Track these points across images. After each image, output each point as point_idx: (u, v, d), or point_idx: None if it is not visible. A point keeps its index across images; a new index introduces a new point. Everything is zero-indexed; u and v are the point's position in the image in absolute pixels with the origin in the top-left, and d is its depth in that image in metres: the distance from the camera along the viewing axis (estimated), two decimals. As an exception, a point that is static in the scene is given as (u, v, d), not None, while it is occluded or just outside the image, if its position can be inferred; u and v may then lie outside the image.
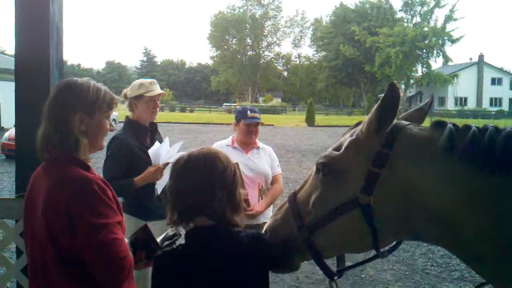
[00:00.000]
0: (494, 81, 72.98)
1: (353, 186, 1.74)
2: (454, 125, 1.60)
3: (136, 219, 3.81)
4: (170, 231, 2.44)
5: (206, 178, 1.97)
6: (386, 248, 1.89)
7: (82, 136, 2.15)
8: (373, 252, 1.84)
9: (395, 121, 1.74)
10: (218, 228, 1.98)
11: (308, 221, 1.86)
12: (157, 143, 4.03)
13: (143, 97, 4.04)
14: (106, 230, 1.97)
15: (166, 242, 2.41)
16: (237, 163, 2.15)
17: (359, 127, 1.83)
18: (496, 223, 1.46)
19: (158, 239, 2.39)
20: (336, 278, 1.99)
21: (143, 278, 3.74)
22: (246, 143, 4.56)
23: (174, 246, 2.22)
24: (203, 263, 1.93)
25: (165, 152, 3.82)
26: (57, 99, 2.17)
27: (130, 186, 3.79)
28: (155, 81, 4.20)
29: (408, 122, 1.77)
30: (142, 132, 4.12)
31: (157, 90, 4.11)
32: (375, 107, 1.74)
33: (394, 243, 1.95)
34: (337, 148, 1.86)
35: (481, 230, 1.50)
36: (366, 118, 1.79)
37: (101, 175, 2.23)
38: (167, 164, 3.73)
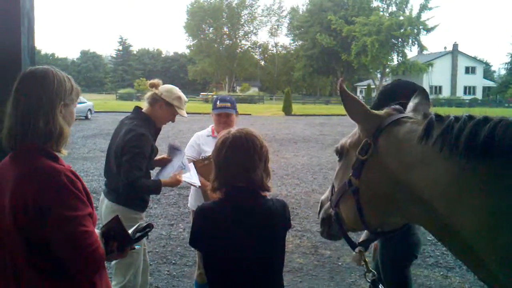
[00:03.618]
0: (468, 70, 74.07)
1: (349, 169, 2.01)
2: (437, 115, 1.75)
3: (132, 211, 3.90)
4: (142, 223, 2.50)
5: (250, 153, 2.42)
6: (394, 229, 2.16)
7: (66, 126, 2.14)
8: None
9: (391, 113, 1.97)
10: (253, 189, 2.45)
11: (333, 197, 2.18)
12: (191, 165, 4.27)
13: (172, 107, 4.07)
14: (76, 223, 1.95)
15: (138, 234, 2.41)
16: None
17: None
18: (459, 203, 1.59)
19: (130, 230, 2.38)
20: (361, 250, 2.27)
21: (132, 265, 3.89)
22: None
23: (146, 237, 2.44)
24: (237, 212, 2.41)
25: (191, 173, 4.16)
26: (42, 87, 2.10)
27: (158, 189, 3.97)
28: (187, 101, 4.30)
29: (402, 115, 1.95)
30: (155, 133, 4.14)
31: (185, 112, 4.20)
32: None
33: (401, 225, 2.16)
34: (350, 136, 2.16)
35: (449, 211, 1.62)
36: None
37: (71, 166, 2.19)
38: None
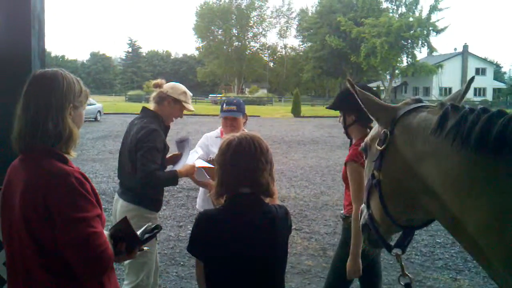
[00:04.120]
0: (478, 71, 73.41)
1: (373, 163, 2.04)
2: (453, 106, 1.75)
3: (147, 210, 3.97)
4: (151, 224, 2.49)
5: (257, 155, 2.38)
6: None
7: (75, 128, 2.15)
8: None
9: (408, 103, 2.00)
10: (257, 196, 2.41)
11: (365, 196, 2.19)
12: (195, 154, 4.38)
13: (180, 103, 4.20)
14: (85, 224, 1.96)
15: (146, 235, 2.42)
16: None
17: None
18: (467, 198, 1.58)
19: (138, 232, 2.39)
20: (398, 252, 2.18)
21: (146, 265, 3.93)
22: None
23: (155, 238, 2.40)
24: (240, 221, 2.36)
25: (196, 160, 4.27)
26: (52, 89, 2.11)
27: (175, 179, 4.01)
28: (191, 95, 4.43)
29: (419, 104, 1.97)
30: (165, 131, 4.21)
31: (191, 105, 4.33)
32: None
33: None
34: None
35: (458, 205, 1.61)
36: None
37: (79, 168, 2.20)
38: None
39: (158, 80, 4.29)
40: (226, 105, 4.58)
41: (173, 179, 4.00)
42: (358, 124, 3.69)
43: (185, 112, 4.31)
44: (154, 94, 4.23)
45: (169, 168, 4.29)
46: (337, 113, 3.87)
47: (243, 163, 2.37)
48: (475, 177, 1.56)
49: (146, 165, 3.76)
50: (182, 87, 4.30)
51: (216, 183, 2.44)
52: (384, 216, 2.03)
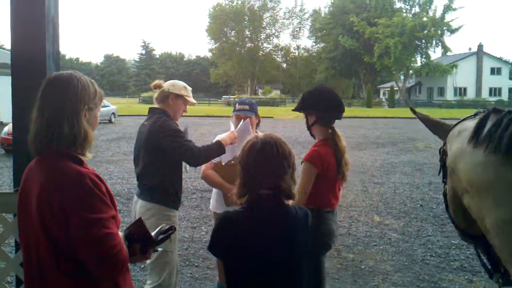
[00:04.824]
0: (493, 71, 72.77)
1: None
2: (494, 110, 1.84)
3: (166, 208, 4.01)
4: (165, 225, 2.50)
5: (280, 159, 2.39)
6: None
7: (90, 130, 2.17)
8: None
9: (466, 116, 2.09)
10: (278, 197, 2.39)
11: None
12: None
13: (182, 98, 4.28)
14: (100, 225, 1.97)
15: (161, 236, 2.42)
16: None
17: None
18: (489, 197, 1.66)
19: (153, 233, 2.39)
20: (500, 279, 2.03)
21: (168, 265, 3.96)
22: None
23: (170, 239, 2.41)
24: (262, 222, 2.37)
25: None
26: (67, 92, 2.13)
27: (221, 147, 4.13)
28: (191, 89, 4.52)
29: (468, 115, 2.07)
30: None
31: (193, 99, 4.44)
32: None
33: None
34: None
35: (481, 202, 1.70)
36: None
37: (93, 171, 2.21)
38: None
39: (157, 81, 4.36)
40: (238, 104, 4.66)
41: (218, 147, 4.12)
42: (319, 124, 3.90)
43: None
44: (156, 95, 4.31)
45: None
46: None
47: (266, 167, 2.38)
48: (500, 178, 1.63)
49: (182, 147, 3.90)
50: (182, 83, 4.38)
51: (238, 184, 2.45)
52: (456, 227, 2.13)
